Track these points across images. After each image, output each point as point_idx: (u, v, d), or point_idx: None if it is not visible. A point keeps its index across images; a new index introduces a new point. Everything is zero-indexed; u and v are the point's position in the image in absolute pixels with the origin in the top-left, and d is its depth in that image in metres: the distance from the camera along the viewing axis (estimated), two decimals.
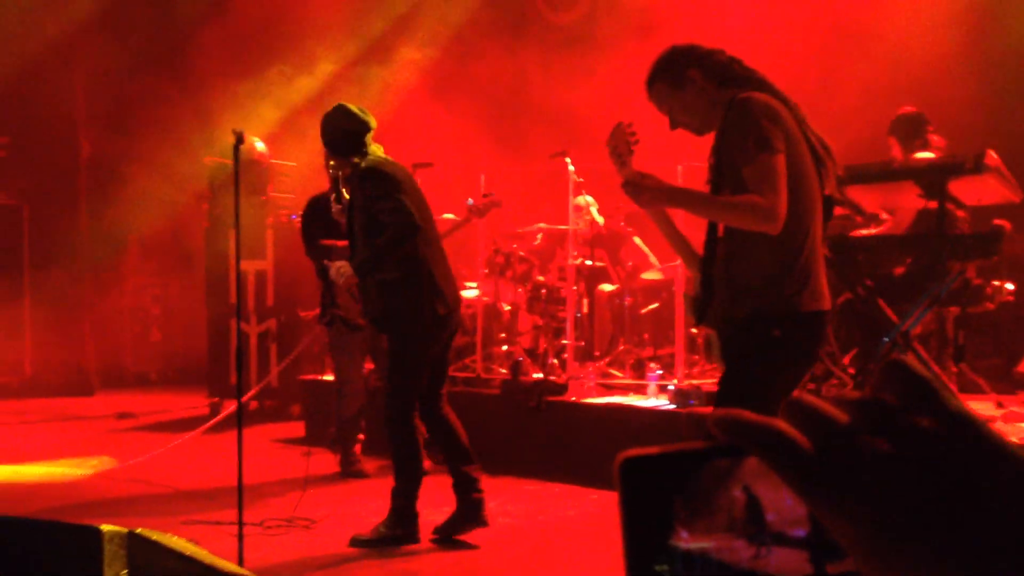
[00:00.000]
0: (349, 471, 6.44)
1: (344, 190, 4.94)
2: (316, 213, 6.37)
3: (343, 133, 4.78)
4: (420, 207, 4.70)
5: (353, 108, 4.82)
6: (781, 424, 0.50)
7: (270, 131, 9.75)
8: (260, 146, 8.85)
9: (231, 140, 4.73)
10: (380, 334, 6.31)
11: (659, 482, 0.50)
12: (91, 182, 11.28)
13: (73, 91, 11.10)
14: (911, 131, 6.05)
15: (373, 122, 4.81)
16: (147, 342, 11.87)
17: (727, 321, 3.16)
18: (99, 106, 11.27)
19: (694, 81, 3.23)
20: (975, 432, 0.48)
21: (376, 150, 4.79)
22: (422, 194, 4.85)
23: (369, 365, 6.75)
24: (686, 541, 0.50)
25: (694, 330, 7.32)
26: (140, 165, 10.91)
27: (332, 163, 4.91)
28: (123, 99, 11.34)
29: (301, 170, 9.38)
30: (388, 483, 6.09)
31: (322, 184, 9.61)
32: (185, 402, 9.43)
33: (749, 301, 3.07)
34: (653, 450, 0.51)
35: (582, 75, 9.75)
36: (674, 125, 3.38)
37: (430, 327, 4.70)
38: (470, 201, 6.47)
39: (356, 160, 4.74)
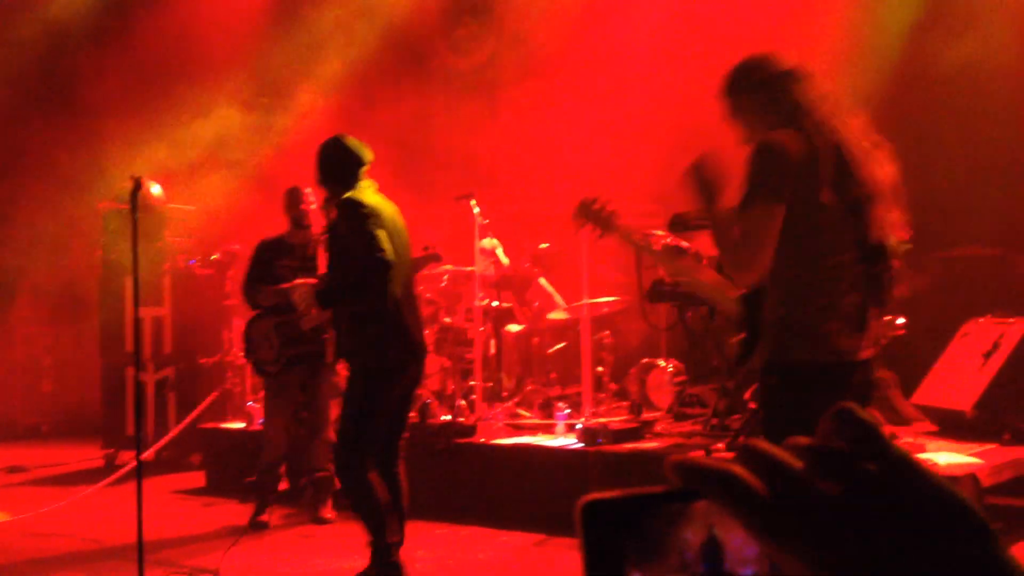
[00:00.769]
0: (255, 524, 6.14)
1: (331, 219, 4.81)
2: (267, 256, 6.24)
3: (333, 164, 4.68)
4: (399, 246, 4.56)
5: (349, 140, 4.73)
6: (736, 468, 0.52)
7: (166, 174, 9.56)
8: (156, 190, 8.66)
9: (127, 185, 4.62)
10: (318, 376, 6.29)
11: (617, 525, 0.52)
12: None
13: None
14: None
15: (368, 155, 4.71)
16: (38, 393, 11.43)
17: (766, 367, 3.06)
18: None
19: (747, 103, 3.12)
20: (916, 475, 0.51)
21: (368, 185, 4.67)
22: (405, 235, 4.74)
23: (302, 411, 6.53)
24: None
25: (600, 368, 7.40)
26: (29, 210, 10.57)
27: (326, 196, 4.79)
28: (11, 141, 10.99)
29: (198, 214, 9.23)
30: (293, 533, 5.98)
31: (220, 229, 9.55)
32: (79, 454, 9.09)
33: (770, 347, 3.02)
34: (613, 494, 0.53)
35: (485, 118, 9.84)
36: (742, 140, 3.19)
37: (391, 368, 4.55)
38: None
39: (342, 192, 4.59)
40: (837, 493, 0.51)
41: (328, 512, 6.22)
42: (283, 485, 6.41)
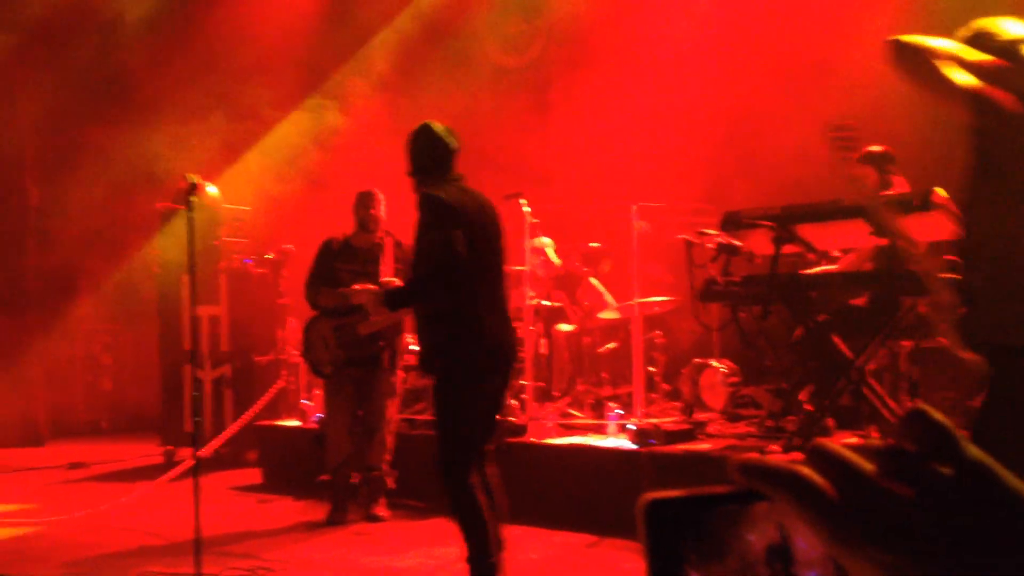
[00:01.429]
0: (333, 519, 6.21)
1: None
2: (330, 256, 6.29)
3: (421, 153, 4.42)
4: (485, 243, 4.28)
5: (436, 127, 4.45)
6: (804, 469, 0.52)
7: (219, 174, 9.70)
8: (212, 191, 8.80)
9: (183, 185, 4.69)
10: (374, 377, 6.25)
11: (678, 524, 0.52)
12: (39, 228, 11.11)
13: (20, 135, 10.96)
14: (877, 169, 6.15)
15: (454, 144, 4.43)
16: (98, 390, 11.66)
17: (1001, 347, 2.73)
18: (47, 150, 11.13)
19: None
20: (993, 479, 0.50)
21: (456, 178, 4.39)
22: (494, 231, 4.39)
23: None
24: None
25: (651, 368, 7.37)
26: (90, 211, 10.78)
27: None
28: (72, 143, 11.21)
29: (252, 214, 9.35)
30: (347, 531, 6.04)
31: (272, 229, 9.66)
32: (138, 450, 9.26)
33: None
34: (674, 493, 0.53)
35: (535, 117, 9.83)
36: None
37: (473, 372, 4.24)
38: None
39: (430, 183, 4.34)
40: (910, 496, 0.50)
41: (382, 510, 6.28)
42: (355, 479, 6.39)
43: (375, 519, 6.23)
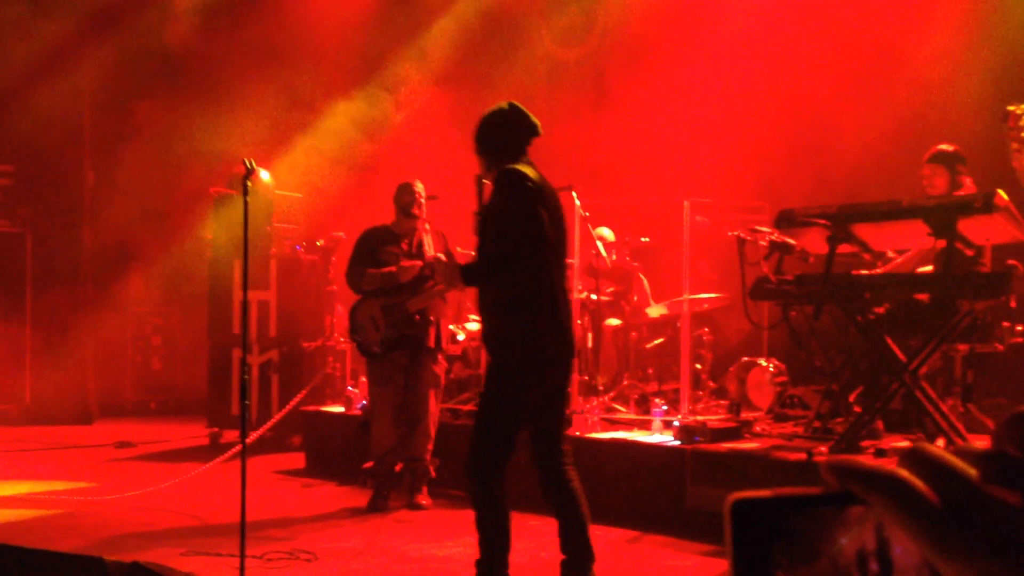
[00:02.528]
0: (375, 506, 6.26)
1: (484, 196, 4.31)
2: (371, 243, 6.36)
3: (499, 131, 4.20)
4: (559, 230, 4.14)
5: (521, 107, 4.26)
6: (904, 473, 0.49)
7: (274, 160, 9.77)
8: (265, 177, 8.86)
9: (238, 170, 4.72)
10: (417, 363, 6.29)
11: (766, 526, 0.50)
12: (95, 210, 11.28)
13: (80, 118, 11.13)
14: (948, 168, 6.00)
15: (539, 125, 4.26)
16: (147, 371, 11.83)
17: None
18: (105, 134, 11.29)
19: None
20: None
21: (529, 162, 4.20)
22: (564, 219, 4.26)
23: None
24: None
25: (698, 365, 7.30)
26: (144, 194, 10.92)
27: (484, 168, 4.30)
28: (128, 128, 11.37)
29: (303, 201, 9.41)
30: (389, 519, 6.06)
31: (323, 216, 9.71)
32: (184, 432, 9.37)
33: None
34: (763, 493, 0.51)
35: (588, 110, 9.78)
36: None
37: (543, 361, 4.05)
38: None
39: (503, 163, 4.14)
40: (1016, 503, 0.47)
41: (424, 499, 6.30)
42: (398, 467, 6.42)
43: (417, 507, 6.26)
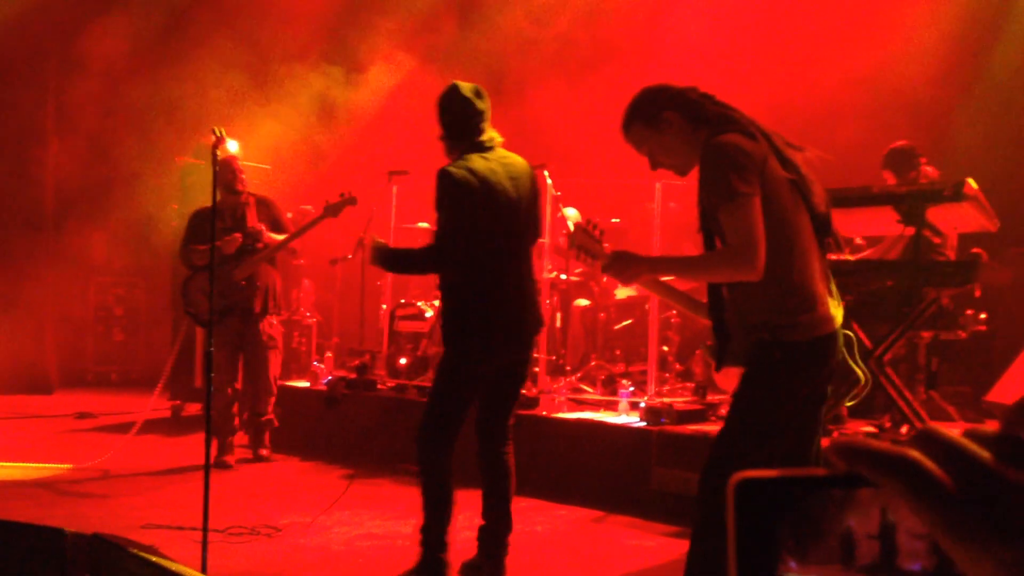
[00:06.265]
0: (218, 463, 6.64)
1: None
2: (199, 220, 6.78)
3: (448, 117, 4.17)
4: (510, 216, 4.14)
5: (463, 88, 4.16)
6: (915, 454, 0.47)
7: (240, 132, 9.64)
8: (233, 146, 8.73)
9: (206, 140, 4.64)
10: (249, 327, 6.84)
11: (772, 507, 0.49)
12: (58, 179, 11.09)
13: (44, 84, 10.93)
14: (904, 163, 6.20)
15: (481, 105, 4.15)
16: (109, 342, 11.68)
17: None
18: (68, 103, 11.08)
19: (671, 123, 3.20)
20: None
21: (488, 141, 4.15)
22: (527, 202, 4.22)
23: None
24: (794, 570, 0.49)
25: (665, 348, 7.32)
26: (108, 163, 10.75)
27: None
28: (93, 96, 11.17)
29: (271, 173, 9.30)
30: (372, 494, 6.04)
31: (291, 188, 9.61)
32: (145, 404, 9.27)
33: (756, 334, 3.06)
34: (769, 473, 0.49)
35: (561, 90, 9.74)
36: (655, 166, 3.34)
37: (472, 350, 4.16)
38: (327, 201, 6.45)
39: (456, 151, 4.14)
40: None
41: (266, 451, 7.06)
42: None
43: (261, 459, 6.99)
